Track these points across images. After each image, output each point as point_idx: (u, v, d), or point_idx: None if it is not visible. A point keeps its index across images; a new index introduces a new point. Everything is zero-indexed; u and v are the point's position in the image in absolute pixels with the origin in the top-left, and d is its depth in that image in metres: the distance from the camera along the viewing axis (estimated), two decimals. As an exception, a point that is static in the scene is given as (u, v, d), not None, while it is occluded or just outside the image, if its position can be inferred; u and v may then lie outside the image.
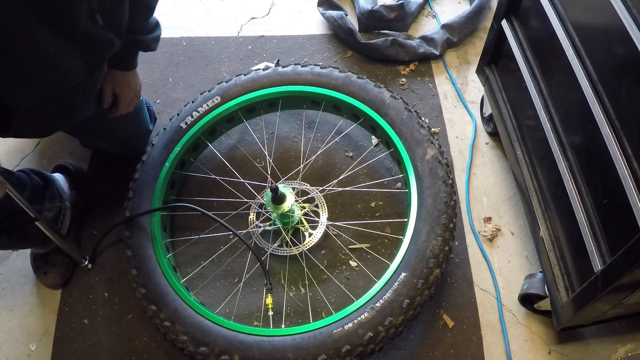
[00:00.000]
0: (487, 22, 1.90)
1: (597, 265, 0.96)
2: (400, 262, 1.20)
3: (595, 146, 0.97)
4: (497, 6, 1.36)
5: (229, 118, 1.51)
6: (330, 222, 1.41)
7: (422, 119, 1.40)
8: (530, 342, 1.30)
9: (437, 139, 1.37)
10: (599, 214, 0.99)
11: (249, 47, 1.87)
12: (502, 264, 1.42)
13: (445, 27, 1.82)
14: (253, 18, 1.97)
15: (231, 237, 1.41)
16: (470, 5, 1.91)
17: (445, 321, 1.32)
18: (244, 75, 1.51)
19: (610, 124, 0.92)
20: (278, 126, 1.65)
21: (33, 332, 1.31)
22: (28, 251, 1.40)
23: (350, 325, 1.13)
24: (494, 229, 1.46)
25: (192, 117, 1.46)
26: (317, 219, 1.41)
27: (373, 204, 1.50)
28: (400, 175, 1.47)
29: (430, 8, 2.00)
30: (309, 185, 1.47)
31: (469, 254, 1.43)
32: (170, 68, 1.80)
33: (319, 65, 1.52)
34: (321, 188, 1.46)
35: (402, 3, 1.84)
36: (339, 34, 1.86)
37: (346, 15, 1.85)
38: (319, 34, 1.90)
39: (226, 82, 1.51)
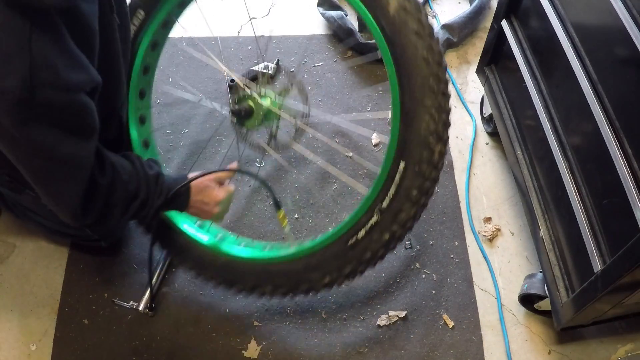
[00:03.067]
0: (487, 22, 1.90)
1: (597, 266, 0.96)
2: (396, 149, 1.02)
3: (595, 146, 0.97)
4: (497, 6, 1.36)
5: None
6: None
7: None
8: (530, 342, 1.30)
9: None
10: (599, 214, 0.99)
11: (249, 47, 1.87)
12: (502, 264, 1.42)
13: (445, 27, 1.82)
14: (253, 18, 1.97)
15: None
16: (470, 5, 1.91)
17: (445, 321, 1.32)
18: None
19: (610, 124, 0.92)
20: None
21: (33, 332, 1.31)
22: (27, 251, 1.40)
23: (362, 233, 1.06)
24: (494, 229, 1.46)
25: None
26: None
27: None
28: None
29: (430, 8, 2.00)
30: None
31: (469, 254, 1.43)
32: (171, 68, 1.80)
33: None
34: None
35: (402, 3, 1.84)
36: (339, 34, 1.86)
37: (346, 15, 1.85)
38: (319, 34, 1.90)
39: None
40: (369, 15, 1.03)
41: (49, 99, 0.77)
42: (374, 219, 1.05)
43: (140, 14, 1.28)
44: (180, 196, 1.11)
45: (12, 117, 0.76)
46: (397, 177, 1.02)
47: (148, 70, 1.37)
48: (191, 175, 1.14)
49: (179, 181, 1.12)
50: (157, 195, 1.06)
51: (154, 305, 1.28)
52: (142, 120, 1.37)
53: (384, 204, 1.04)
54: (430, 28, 1.00)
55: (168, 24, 1.35)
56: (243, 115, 1.22)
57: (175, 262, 1.35)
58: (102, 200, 0.97)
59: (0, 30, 0.72)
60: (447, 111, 1.01)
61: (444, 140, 1.02)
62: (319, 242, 1.13)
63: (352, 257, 1.08)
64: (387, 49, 1.01)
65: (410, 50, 0.98)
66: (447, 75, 1.03)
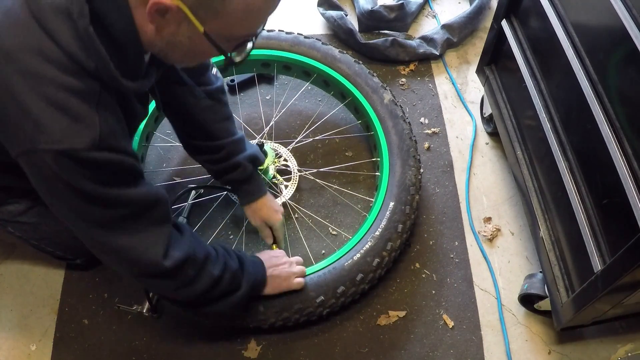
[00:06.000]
0: (487, 22, 1.90)
1: (597, 265, 0.96)
2: (385, 193, 1.33)
3: (595, 146, 0.97)
4: (497, 6, 1.36)
5: None
6: (304, 169, 1.52)
7: (370, 71, 1.52)
8: (530, 342, 1.30)
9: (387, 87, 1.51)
10: (599, 214, 0.99)
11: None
12: (502, 264, 1.42)
13: (445, 27, 1.82)
14: (253, 18, 1.97)
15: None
16: (470, 5, 1.91)
17: (445, 321, 1.32)
18: None
19: (610, 124, 0.92)
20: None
21: (33, 332, 1.31)
22: (27, 251, 1.40)
23: (358, 255, 1.24)
24: (494, 229, 1.46)
25: None
26: (289, 168, 1.52)
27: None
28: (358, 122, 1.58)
29: (430, 8, 2.00)
30: (279, 144, 1.56)
31: (469, 254, 1.43)
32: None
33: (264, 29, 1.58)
34: (296, 140, 1.56)
35: (402, 3, 1.84)
36: (339, 34, 1.86)
37: (346, 15, 1.85)
38: (319, 34, 1.90)
39: None
40: (368, 104, 1.46)
41: (109, 159, 0.82)
42: (369, 244, 1.26)
43: None
44: (258, 286, 1.18)
45: (72, 173, 0.80)
46: (388, 213, 1.30)
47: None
48: (265, 262, 1.20)
49: (256, 274, 1.16)
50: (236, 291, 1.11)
51: (156, 307, 1.28)
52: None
53: (377, 233, 1.28)
54: (408, 117, 1.49)
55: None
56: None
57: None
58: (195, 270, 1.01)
59: (71, 91, 0.75)
60: (419, 170, 1.39)
61: (419, 193, 1.37)
62: (321, 263, 1.27)
63: (345, 277, 1.23)
64: (380, 127, 1.43)
65: (398, 127, 1.42)
66: (417, 145, 1.43)
